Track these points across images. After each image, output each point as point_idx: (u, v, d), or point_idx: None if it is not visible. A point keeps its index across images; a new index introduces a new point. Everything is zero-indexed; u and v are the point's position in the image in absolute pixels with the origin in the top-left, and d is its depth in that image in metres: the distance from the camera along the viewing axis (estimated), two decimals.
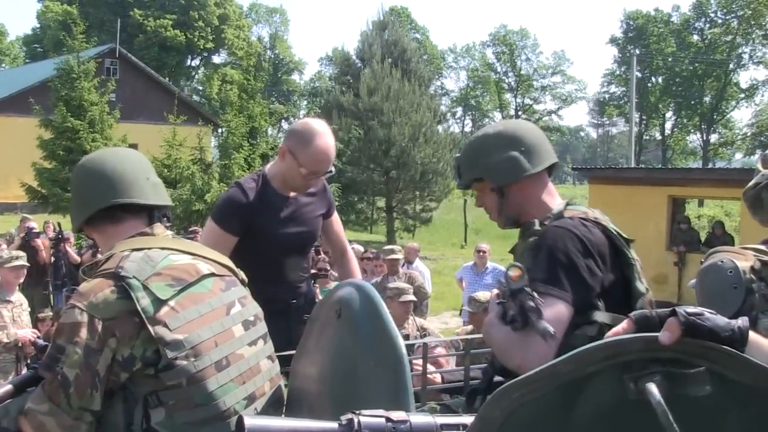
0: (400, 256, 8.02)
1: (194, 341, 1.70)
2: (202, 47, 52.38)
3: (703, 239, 13.73)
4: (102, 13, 49.03)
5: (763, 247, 2.04)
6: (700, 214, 28.49)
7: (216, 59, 56.61)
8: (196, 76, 57.61)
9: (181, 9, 51.18)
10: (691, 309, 1.00)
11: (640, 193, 13.70)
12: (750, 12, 41.17)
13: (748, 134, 52.10)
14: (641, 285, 1.96)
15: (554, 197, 2.16)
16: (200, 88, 56.74)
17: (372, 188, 24.78)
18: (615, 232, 2.00)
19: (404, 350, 1.43)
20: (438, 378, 2.80)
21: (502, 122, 2.30)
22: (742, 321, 1.01)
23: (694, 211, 28.24)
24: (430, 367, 2.69)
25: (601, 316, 1.86)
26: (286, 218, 3.02)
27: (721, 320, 0.99)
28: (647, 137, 56.28)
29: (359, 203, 26.02)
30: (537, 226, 2.03)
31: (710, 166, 47.35)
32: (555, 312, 1.77)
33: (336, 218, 3.35)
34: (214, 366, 1.71)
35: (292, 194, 3.02)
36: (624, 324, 1.07)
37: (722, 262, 2.01)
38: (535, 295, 1.66)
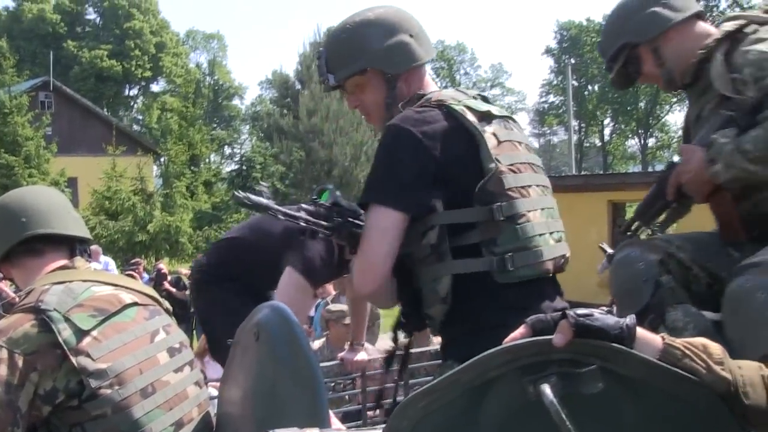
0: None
1: (118, 369, 1.69)
2: (139, 76, 51.77)
3: None
4: (33, 45, 48.09)
5: (668, 238, 2.09)
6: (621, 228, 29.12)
7: (154, 87, 56.01)
8: (135, 106, 56.92)
9: (116, 39, 50.56)
10: (581, 311, 1.03)
11: (581, 199, 13.95)
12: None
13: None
14: (489, 163, 1.74)
15: (429, 89, 1.95)
16: (139, 117, 56.03)
17: None
18: (467, 108, 1.81)
19: (319, 370, 1.45)
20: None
21: (377, 7, 1.98)
22: (630, 319, 1.05)
23: None
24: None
25: (442, 217, 1.73)
26: None
27: (610, 320, 1.02)
28: (587, 144, 57.55)
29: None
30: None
31: (650, 169, 48.59)
32: (381, 220, 1.74)
33: None
34: (139, 393, 1.71)
35: None
36: (521, 329, 1.10)
37: (633, 254, 2.04)
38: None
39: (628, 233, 2.37)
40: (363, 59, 1.89)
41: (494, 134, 1.81)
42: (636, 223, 2.34)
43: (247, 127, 56.09)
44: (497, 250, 1.71)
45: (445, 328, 1.80)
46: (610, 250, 2.36)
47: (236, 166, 31.97)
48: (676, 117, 57.03)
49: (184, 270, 13.27)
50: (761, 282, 1.67)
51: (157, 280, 10.69)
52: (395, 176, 1.75)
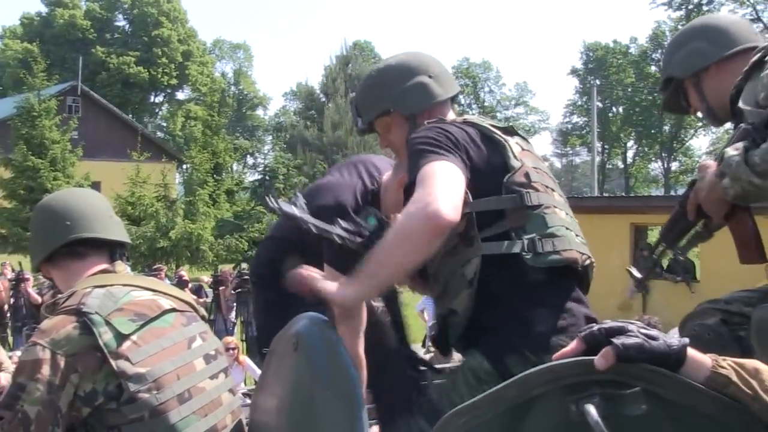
0: None
1: (156, 374, 1.72)
2: (165, 84, 52.24)
3: (665, 265, 14.01)
4: (63, 50, 48.74)
5: None
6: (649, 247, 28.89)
7: (180, 95, 56.53)
8: (160, 113, 57.43)
9: (144, 46, 51.11)
10: (630, 341, 1.02)
11: (603, 221, 13.88)
12: None
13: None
14: (515, 161, 1.83)
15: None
16: (164, 124, 56.51)
17: None
18: (491, 126, 1.92)
19: (359, 384, 1.46)
20: None
21: (399, 54, 2.15)
22: (681, 342, 1.05)
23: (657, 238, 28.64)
24: None
25: (471, 206, 1.72)
26: None
27: (659, 346, 1.02)
28: (610, 166, 57.18)
29: None
30: None
31: (672, 193, 48.17)
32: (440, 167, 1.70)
33: None
34: (176, 398, 1.74)
35: None
36: (574, 344, 1.10)
37: None
38: None
39: (654, 255, 2.34)
40: (384, 101, 2.04)
41: (518, 143, 1.92)
42: (661, 246, 2.30)
43: (270, 137, 56.35)
44: (526, 236, 1.74)
45: (470, 319, 1.74)
46: (638, 275, 2.34)
47: (259, 176, 32.10)
48: (700, 141, 56.42)
49: (206, 278, 13.34)
50: None
51: (178, 287, 10.74)
52: (443, 139, 1.79)
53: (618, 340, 1.02)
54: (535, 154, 1.97)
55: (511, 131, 1.97)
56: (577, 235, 1.85)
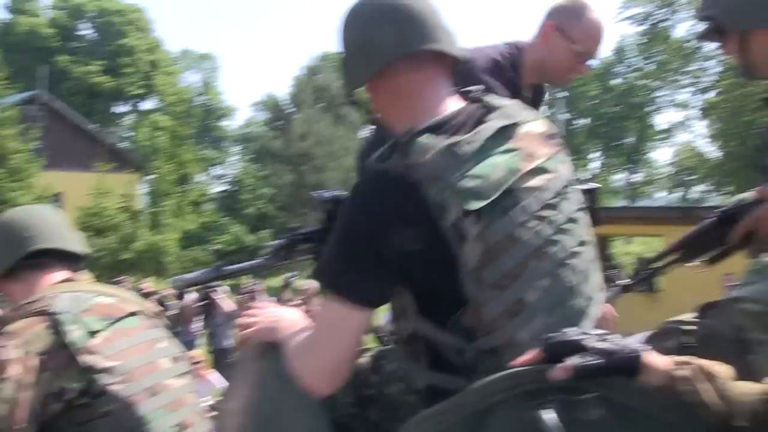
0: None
1: (126, 367, 1.78)
2: (131, 93, 51.72)
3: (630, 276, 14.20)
4: (26, 59, 47.96)
5: None
6: (628, 251, 29.27)
7: (146, 105, 55.97)
8: (126, 123, 56.79)
9: (109, 55, 50.56)
10: (589, 363, 1.05)
11: None
12: (665, 57, 43.32)
13: (668, 173, 54.19)
14: (470, 257, 1.28)
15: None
16: (129, 134, 55.90)
17: None
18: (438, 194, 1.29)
19: None
20: None
21: None
22: (641, 348, 1.07)
23: (623, 249, 28.99)
24: None
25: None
26: None
27: (616, 360, 1.05)
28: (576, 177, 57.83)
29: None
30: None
31: (636, 204, 48.88)
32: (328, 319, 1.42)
33: None
34: (145, 392, 1.79)
35: None
36: (534, 352, 1.12)
37: None
38: None
39: (653, 267, 2.20)
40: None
41: None
42: (670, 257, 2.14)
43: (238, 148, 56.05)
44: None
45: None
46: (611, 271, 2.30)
47: (225, 187, 31.92)
48: (662, 153, 57.29)
49: (168, 290, 13.16)
50: None
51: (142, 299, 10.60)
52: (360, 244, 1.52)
53: (577, 360, 1.05)
54: None
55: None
56: None
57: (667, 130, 53.77)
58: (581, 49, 2.42)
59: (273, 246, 1.91)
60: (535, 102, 2.56)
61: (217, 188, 38.50)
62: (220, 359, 8.96)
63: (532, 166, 1.38)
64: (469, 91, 1.49)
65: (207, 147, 53.52)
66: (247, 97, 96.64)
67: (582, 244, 1.42)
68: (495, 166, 1.31)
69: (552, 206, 1.37)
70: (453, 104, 1.46)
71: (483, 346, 1.27)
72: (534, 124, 1.47)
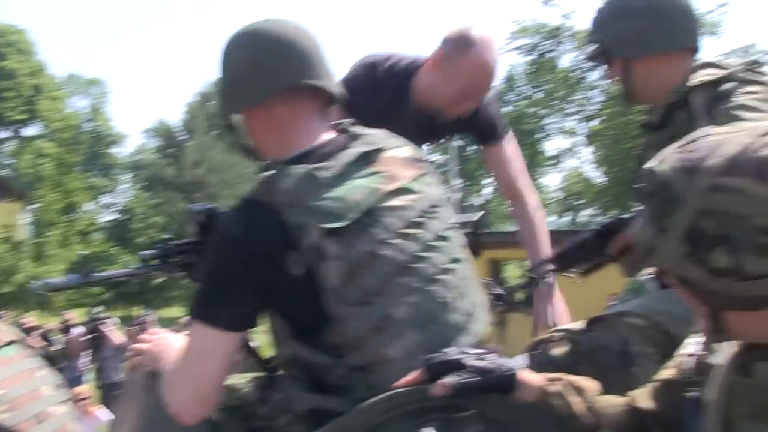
0: None
1: (10, 396, 1.74)
2: (12, 119, 49.38)
3: (521, 299, 14.66)
4: None
5: None
6: (524, 273, 30.06)
7: (29, 131, 53.53)
8: (6, 149, 54.09)
9: None
10: (468, 382, 1.09)
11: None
12: (552, 86, 45.38)
13: (558, 198, 56.45)
14: (331, 275, 1.30)
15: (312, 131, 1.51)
16: (11, 161, 53.25)
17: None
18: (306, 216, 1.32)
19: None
20: None
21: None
22: (516, 366, 1.12)
23: (516, 273, 29.81)
24: None
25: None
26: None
27: (492, 378, 1.10)
28: (468, 203, 59.35)
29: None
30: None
31: None
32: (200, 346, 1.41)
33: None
34: (33, 419, 1.76)
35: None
36: (417, 372, 1.15)
37: None
38: None
39: (533, 276, 2.34)
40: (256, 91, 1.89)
41: None
42: (546, 267, 2.29)
43: (128, 176, 54.40)
44: None
45: None
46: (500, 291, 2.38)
47: (115, 216, 30.88)
48: (552, 179, 59.55)
49: (53, 324, 12.56)
50: None
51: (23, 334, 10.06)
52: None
53: (456, 379, 1.09)
54: None
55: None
56: None
57: (556, 157, 56.16)
58: (464, 83, 2.30)
59: (145, 256, 1.90)
60: (431, 124, 2.46)
61: (107, 217, 37.19)
62: (109, 394, 8.59)
63: (394, 187, 1.43)
64: (340, 123, 1.54)
65: (96, 175, 51.72)
66: (138, 124, 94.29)
67: (455, 261, 1.46)
68: (354, 189, 1.37)
69: (418, 224, 1.41)
70: (324, 136, 1.50)
71: (351, 363, 1.28)
72: (399, 150, 1.53)
